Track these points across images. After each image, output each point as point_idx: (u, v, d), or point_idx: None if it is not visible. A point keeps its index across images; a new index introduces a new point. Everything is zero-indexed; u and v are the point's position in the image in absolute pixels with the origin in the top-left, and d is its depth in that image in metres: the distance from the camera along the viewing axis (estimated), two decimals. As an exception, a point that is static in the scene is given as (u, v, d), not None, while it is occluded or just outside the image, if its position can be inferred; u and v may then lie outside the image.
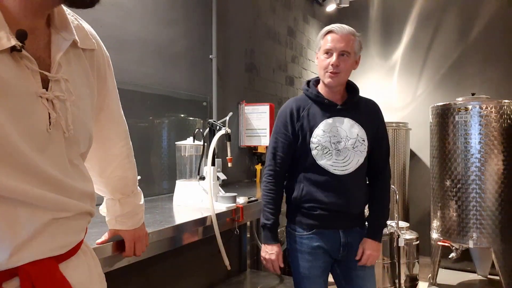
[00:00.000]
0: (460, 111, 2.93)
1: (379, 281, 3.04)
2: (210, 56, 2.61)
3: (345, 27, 1.66)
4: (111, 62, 0.93)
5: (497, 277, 2.94)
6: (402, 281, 3.17)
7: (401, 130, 3.85)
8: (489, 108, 2.83)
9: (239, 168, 2.94)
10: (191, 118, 2.44)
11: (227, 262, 1.79)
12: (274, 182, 1.69)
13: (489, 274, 3.30)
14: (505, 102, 2.85)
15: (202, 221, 1.62)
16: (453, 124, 2.95)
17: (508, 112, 2.84)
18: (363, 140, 1.66)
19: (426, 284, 3.17)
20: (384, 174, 1.77)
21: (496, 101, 2.86)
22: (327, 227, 1.68)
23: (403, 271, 3.19)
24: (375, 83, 4.42)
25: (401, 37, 4.30)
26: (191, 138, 1.94)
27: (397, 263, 3.11)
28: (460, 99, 3.04)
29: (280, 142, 1.69)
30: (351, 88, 1.76)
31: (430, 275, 3.20)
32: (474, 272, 3.41)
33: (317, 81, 1.74)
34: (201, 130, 2.01)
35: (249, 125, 2.91)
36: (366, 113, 1.72)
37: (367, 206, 1.80)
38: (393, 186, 3.37)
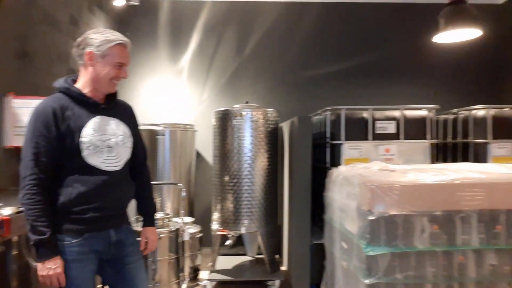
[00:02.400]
0: (236, 116, 3.34)
1: (165, 277, 3.14)
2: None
3: (127, 39, 1.73)
4: None
5: (262, 256, 3.51)
6: (186, 273, 3.37)
7: (188, 132, 4.08)
8: (258, 115, 3.35)
9: (3, 173, 2.49)
10: None
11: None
12: (41, 192, 1.53)
13: (257, 254, 3.89)
14: (269, 110, 3.43)
15: None
16: (231, 127, 3.34)
17: (271, 118, 3.43)
18: (129, 136, 1.77)
19: (207, 272, 3.47)
20: (147, 167, 1.95)
21: (263, 109, 3.40)
22: (99, 229, 1.66)
23: (187, 264, 3.40)
24: (164, 85, 4.53)
25: (188, 43, 4.56)
26: None
27: (182, 257, 3.28)
28: (237, 106, 3.47)
29: (42, 147, 1.55)
30: (114, 92, 1.81)
31: (210, 263, 3.52)
32: (245, 254, 3.95)
33: (74, 80, 1.71)
34: None
35: (19, 122, 2.50)
36: (126, 113, 1.83)
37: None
38: (180, 184, 3.55)
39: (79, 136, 1.60)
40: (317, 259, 2.99)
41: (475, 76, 4.60)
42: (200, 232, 3.57)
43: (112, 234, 1.70)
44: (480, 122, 3.23)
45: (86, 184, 1.60)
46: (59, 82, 1.68)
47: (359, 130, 3.12)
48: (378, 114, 3.14)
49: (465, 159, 3.37)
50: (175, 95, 4.54)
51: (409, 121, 3.13)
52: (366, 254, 2.06)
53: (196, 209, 4.34)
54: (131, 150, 1.78)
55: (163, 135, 3.91)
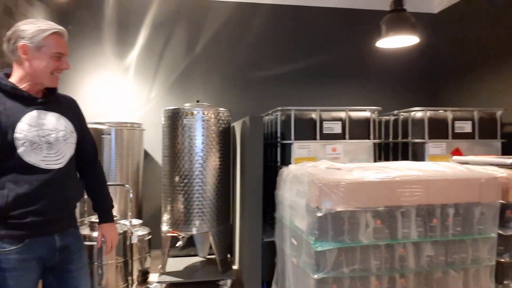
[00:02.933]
0: (187, 115, 3.30)
1: (112, 281, 3.02)
2: None
3: (62, 27, 1.62)
4: None
5: (214, 256, 3.50)
6: (135, 277, 3.27)
7: (135, 131, 3.96)
8: (209, 114, 3.33)
9: None
10: None
11: None
12: None
13: (208, 255, 3.87)
14: (221, 110, 3.42)
15: None
16: (182, 127, 3.29)
17: (223, 118, 3.43)
18: (72, 132, 1.67)
19: (157, 274, 3.40)
20: (98, 160, 1.88)
21: (215, 108, 3.39)
22: (41, 234, 1.55)
23: (136, 267, 3.30)
24: (110, 82, 4.35)
25: (136, 39, 4.42)
26: None
27: (130, 260, 3.18)
28: (187, 104, 3.43)
29: None
30: None
31: (160, 265, 3.44)
32: (197, 255, 3.92)
33: (7, 74, 1.58)
34: None
35: None
36: (68, 107, 1.72)
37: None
38: (127, 185, 3.43)
39: (13, 132, 1.47)
40: (268, 256, 3.04)
41: (414, 80, 4.92)
42: (149, 234, 3.48)
43: (57, 239, 1.59)
44: (418, 123, 3.46)
45: (23, 185, 1.48)
46: None
47: (308, 130, 3.21)
48: (325, 115, 3.26)
49: (404, 157, 3.60)
50: (121, 93, 4.38)
51: (354, 122, 3.28)
52: (315, 250, 2.13)
53: (144, 210, 4.22)
54: (75, 146, 1.67)
55: (109, 134, 3.76)
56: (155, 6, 4.44)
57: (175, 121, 3.31)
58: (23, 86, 1.56)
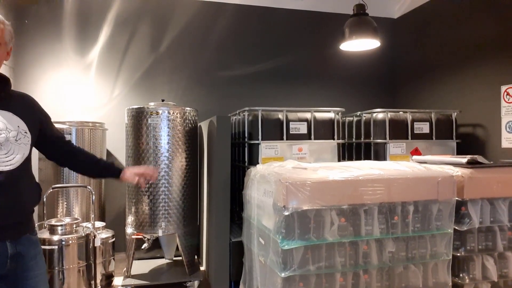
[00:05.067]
0: (152, 114, 3.24)
1: (74, 286, 2.92)
2: None
3: None
4: None
5: (181, 258, 3.46)
6: (98, 281, 3.18)
7: (97, 130, 3.83)
8: (175, 113, 3.29)
9: None
10: None
11: None
12: None
13: (175, 256, 3.82)
14: (187, 109, 3.39)
15: None
16: (146, 126, 3.23)
17: (189, 117, 3.40)
18: (26, 132, 1.58)
19: (122, 278, 3.31)
20: (72, 143, 1.90)
21: (181, 108, 3.35)
22: None
23: (99, 271, 3.20)
24: (69, 79, 4.19)
25: (98, 36, 4.28)
26: None
27: (93, 264, 3.09)
28: (152, 103, 3.37)
29: None
30: (2, 80, 1.59)
31: (125, 268, 3.36)
32: (163, 257, 3.86)
33: None
34: None
35: None
36: (24, 106, 1.63)
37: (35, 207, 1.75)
38: (89, 187, 3.32)
39: None
40: (236, 256, 3.04)
41: (376, 82, 5.09)
42: (112, 236, 3.39)
43: (9, 246, 1.49)
44: (380, 124, 3.59)
45: None
46: None
47: (275, 130, 3.24)
48: (291, 115, 3.31)
49: (367, 157, 3.72)
50: (82, 91, 4.23)
51: (318, 123, 3.35)
52: (282, 248, 2.16)
53: (108, 212, 4.10)
54: (29, 148, 1.59)
55: (69, 133, 3.62)
56: (118, 1, 4.32)
57: (139, 121, 3.24)
58: None
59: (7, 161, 1.49)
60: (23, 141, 1.56)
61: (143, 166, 1.87)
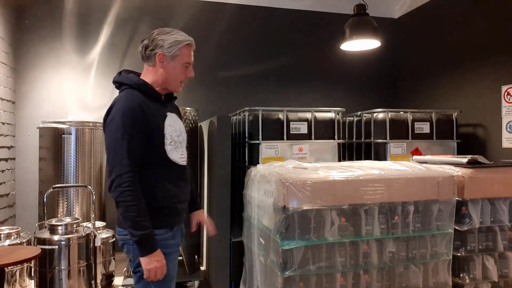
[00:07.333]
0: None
1: (75, 286, 2.92)
2: None
3: (192, 38, 1.83)
4: None
5: (181, 257, 3.46)
6: (99, 281, 3.18)
7: (98, 130, 3.83)
8: (175, 113, 3.28)
9: None
10: None
11: None
12: (136, 188, 1.56)
13: (174, 257, 3.81)
14: (188, 109, 3.38)
15: None
16: (147, 126, 3.22)
17: (190, 117, 3.39)
18: (185, 132, 1.88)
19: (122, 278, 3.31)
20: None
21: (181, 108, 3.32)
22: (180, 221, 1.79)
23: (100, 271, 3.20)
24: (70, 79, 4.19)
25: (98, 36, 4.28)
26: None
27: (93, 264, 3.09)
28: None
29: (134, 143, 1.58)
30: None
31: (125, 268, 3.36)
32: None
33: (138, 75, 1.76)
34: None
35: None
36: (176, 109, 1.90)
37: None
38: (89, 187, 3.32)
39: (163, 132, 1.65)
40: (236, 256, 3.04)
41: (376, 82, 5.08)
42: (113, 236, 3.39)
43: (183, 225, 1.87)
44: (380, 124, 3.58)
45: (169, 179, 1.67)
46: (133, 79, 1.70)
47: (275, 130, 3.24)
48: (292, 115, 3.30)
49: (367, 157, 3.72)
50: (82, 91, 4.23)
51: (319, 123, 3.35)
52: (282, 248, 2.16)
53: (108, 212, 4.09)
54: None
55: (70, 134, 3.62)
56: (118, 1, 4.32)
57: (140, 121, 3.24)
58: (156, 90, 1.73)
59: (184, 158, 1.78)
60: (186, 139, 1.84)
61: (210, 220, 2.11)
